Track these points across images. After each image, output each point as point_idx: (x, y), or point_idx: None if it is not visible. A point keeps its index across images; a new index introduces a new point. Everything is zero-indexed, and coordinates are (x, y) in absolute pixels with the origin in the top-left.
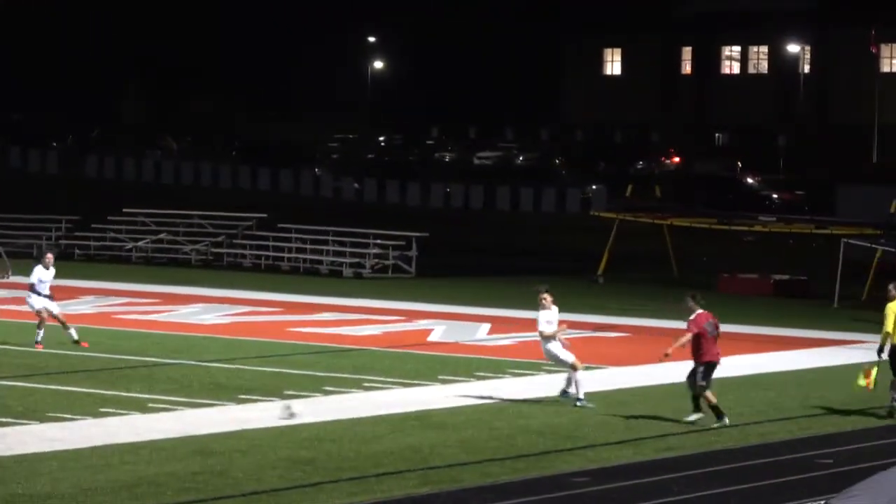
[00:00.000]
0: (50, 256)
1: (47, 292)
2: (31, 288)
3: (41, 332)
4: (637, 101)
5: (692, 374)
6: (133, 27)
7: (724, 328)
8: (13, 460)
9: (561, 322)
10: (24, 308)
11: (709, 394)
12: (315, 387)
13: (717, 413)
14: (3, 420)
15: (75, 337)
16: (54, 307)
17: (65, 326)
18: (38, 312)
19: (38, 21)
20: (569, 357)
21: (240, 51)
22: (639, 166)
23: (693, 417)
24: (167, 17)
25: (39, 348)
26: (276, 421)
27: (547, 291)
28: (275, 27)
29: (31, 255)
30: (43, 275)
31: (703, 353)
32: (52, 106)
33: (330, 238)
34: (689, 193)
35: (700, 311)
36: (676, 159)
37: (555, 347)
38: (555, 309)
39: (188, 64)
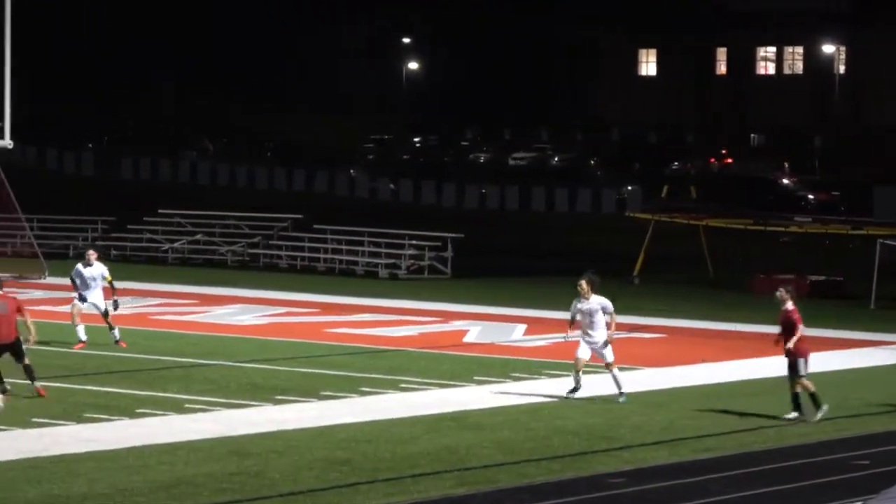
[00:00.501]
0: (90, 253)
1: (90, 290)
2: (75, 288)
3: (79, 329)
4: (672, 101)
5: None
6: (161, 29)
7: (761, 329)
8: (50, 461)
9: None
10: (61, 308)
11: (808, 382)
12: (351, 387)
13: (816, 402)
14: (41, 420)
15: (117, 337)
16: (101, 306)
17: (110, 327)
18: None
19: (62, 22)
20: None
21: (272, 53)
22: (674, 167)
23: (794, 416)
24: (204, 20)
25: (77, 348)
26: (312, 421)
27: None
28: (306, 28)
29: (67, 256)
30: (85, 272)
31: (803, 347)
32: (85, 107)
33: (366, 239)
34: (725, 194)
35: (791, 304)
36: (729, 160)
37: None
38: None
39: (225, 68)
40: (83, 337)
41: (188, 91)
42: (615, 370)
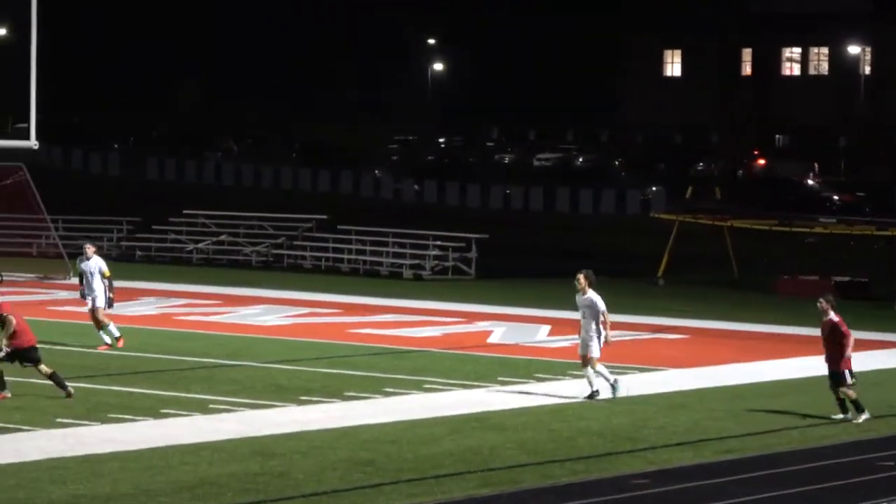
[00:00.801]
0: (88, 247)
1: (90, 285)
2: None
3: (107, 331)
4: (697, 102)
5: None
6: (185, 29)
7: (787, 330)
8: (75, 461)
9: None
10: (85, 309)
11: (851, 391)
12: (375, 388)
13: (858, 407)
14: (66, 421)
15: (116, 335)
16: (97, 302)
17: (101, 326)
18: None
19: (88, 21)
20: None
21: (298, 54)
22: (698, 168)
23: (841, 417)
24: (229, 22)
25: (101, 349)
26: (336, 422)
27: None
28: (334, 29)
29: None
30: (83, 266)
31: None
32: (110, 108)
33: (390, 240)
34: (750, 195)
35: (834, 313)
36: (762, 161)
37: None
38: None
39: (250, 68)
40: (108, 339)
41: (214, 92)
42: (591, 369)
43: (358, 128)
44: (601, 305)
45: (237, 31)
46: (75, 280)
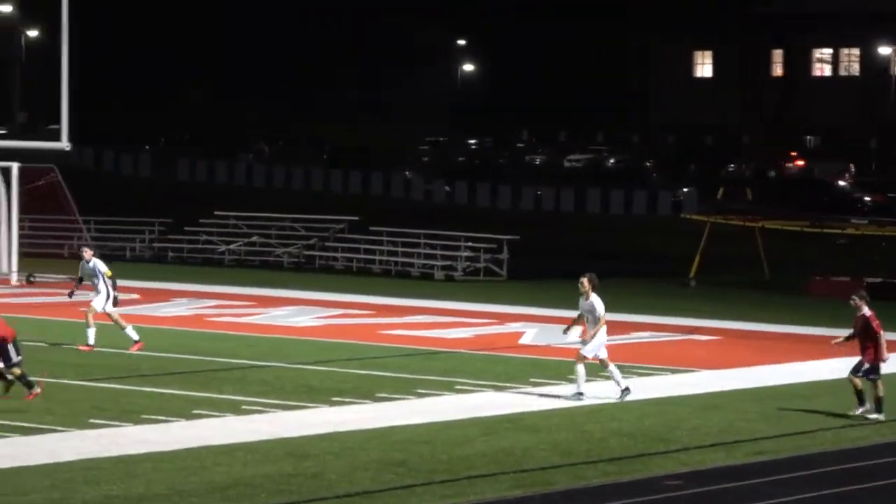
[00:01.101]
0: (85, 250)
1: (98, 288)
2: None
3: (128, 331)
4: (727, 103)
5: (870, 371)
6: (214, 30)
7: (819, 332)
8: (109, 461)
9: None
10: (115, 310)
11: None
12: (407, 389)
13: (879, 405)
14: (99, 422)
15: (91, 342)
16: (97, 305)
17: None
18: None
19: (120, 21)
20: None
21: (328, 55)
22: (729, 168)
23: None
24: (256, 23)
25: (134, 349)
26: (368, 423)
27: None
28: (362, 29)
29: (123, 258)
30: (85, 269)
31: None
32: (142, 108)
33: (421, 241)
34: (781, 196)
35: (867, 308)
36: (800, 163)
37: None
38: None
39: (278, 70)
40: (136, 336)
41: (243, 93)
42: (611, 367)
43: (389, 129)
44: (600, 310)
45: (262, 31)
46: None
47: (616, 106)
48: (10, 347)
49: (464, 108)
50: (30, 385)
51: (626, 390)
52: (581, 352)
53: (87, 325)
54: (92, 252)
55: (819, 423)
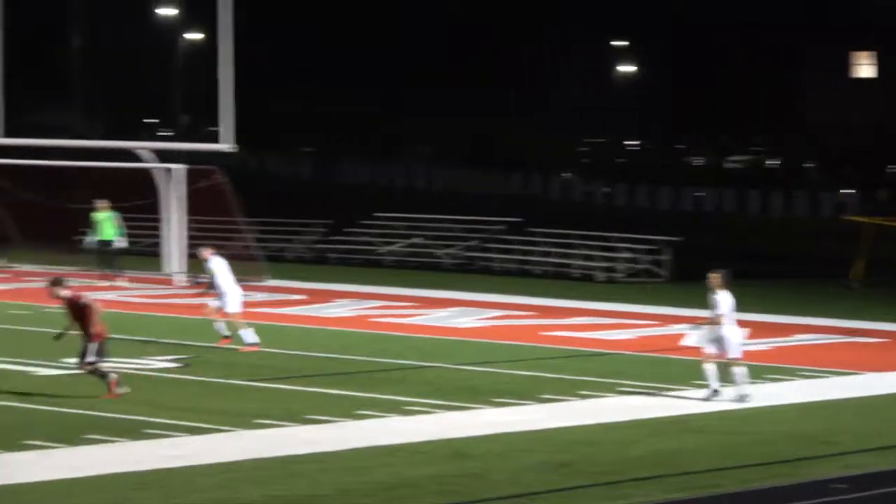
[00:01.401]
0: (204, 251)
1: (219, 288)
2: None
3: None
4: (890, 103)
5: None
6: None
7: None
8: (274, 461)
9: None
10: (281, 311)
11: None
12: (569, 390)
13: None
14: (264, 422)
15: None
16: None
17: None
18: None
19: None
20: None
21: (492, 58)
22: (892, 169)
23: None
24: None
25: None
26: (532, 424)
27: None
28: (522, 30)
29: (284, 259)
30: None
31: None
32: (304, 111)
33: (581, 242)
34: None
35: None
36: None
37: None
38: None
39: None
40: (226, 332)
41: (401, 96)
42: (738, 368)
43: (548, 130)
44: (720, 307)
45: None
46: (272, 282)
47: (776, 107)
48: (96, 346)
49: (623, 110)
50: (104, 377)
51: (715, 392)
52: (730, 355)
53: (241, 328)
54: (211, 252)
55: None
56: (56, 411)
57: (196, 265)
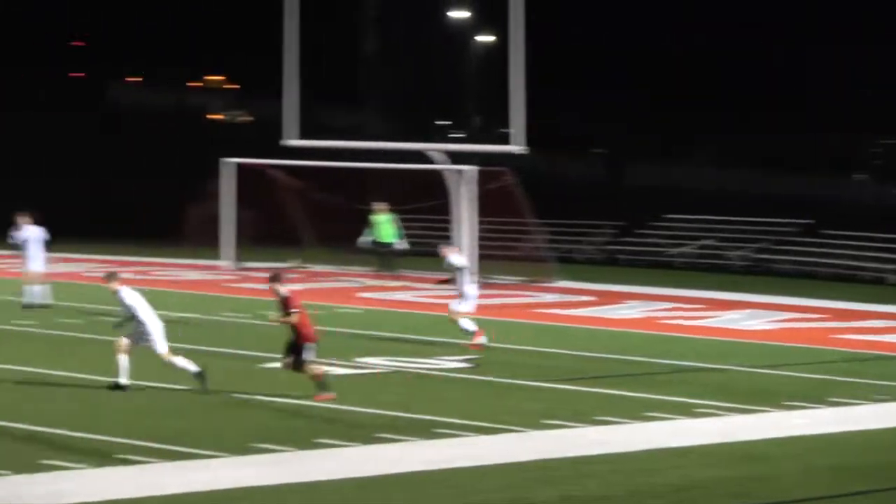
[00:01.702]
0: (443, 249)
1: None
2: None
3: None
4: None
5: None
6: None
7: None
8: (564, 462)
9: None
10: (567, 311)
11: None
12: (863, 395)
13: None
14: (552, 422)
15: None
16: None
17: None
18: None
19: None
20: None
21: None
22: None
23: None
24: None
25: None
26: (823, 427)
27: None
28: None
29: (574, 261)
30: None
31: None
32: (593, 112)
33: (873, 244)
34: None
35: None
36: None
37: None
38: None
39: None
40: (473, 327)
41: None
42: None
43: (838, 130)
44: None
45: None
46: (562, 283)
47: None
48: (312, 347)
49: None
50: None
51: None
52: None
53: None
54: (449, 249)
55: None
56: (344, 409)
57: (487, 267)
